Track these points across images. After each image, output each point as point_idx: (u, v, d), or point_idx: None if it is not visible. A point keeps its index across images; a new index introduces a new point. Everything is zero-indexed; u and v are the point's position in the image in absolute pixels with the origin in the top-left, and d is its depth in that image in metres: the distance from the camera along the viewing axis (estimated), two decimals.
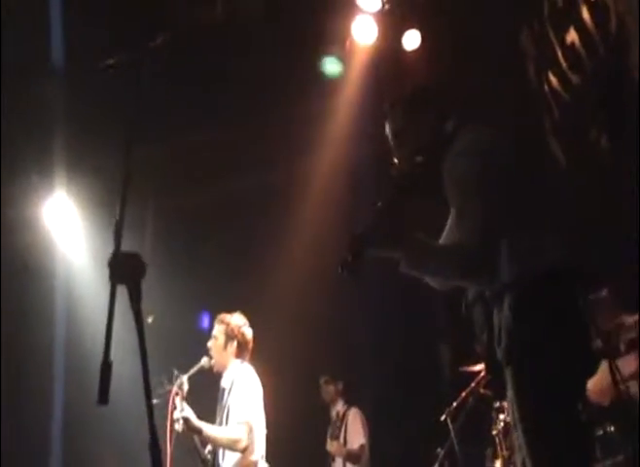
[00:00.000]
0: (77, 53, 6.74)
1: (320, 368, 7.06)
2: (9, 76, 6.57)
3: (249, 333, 4.89)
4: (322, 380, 7.08)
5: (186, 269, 7.27)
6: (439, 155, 2.85)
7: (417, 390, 7.16)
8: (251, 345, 4.88)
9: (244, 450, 4.50)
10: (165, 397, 4.52)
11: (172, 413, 4.50)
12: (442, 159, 2.83)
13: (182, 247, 7.46)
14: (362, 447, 6.72)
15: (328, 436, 6.94)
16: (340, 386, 7.07)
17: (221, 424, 4.63)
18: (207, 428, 4.50)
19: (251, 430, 4.55)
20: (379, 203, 2.88)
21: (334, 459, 6.79)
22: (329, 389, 7.05)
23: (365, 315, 7.34)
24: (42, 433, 7.20)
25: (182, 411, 4.44)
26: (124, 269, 2.15)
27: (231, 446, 4.52)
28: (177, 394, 4.49)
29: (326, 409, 7.09)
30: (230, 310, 4.99)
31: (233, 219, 7.43)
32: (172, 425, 4.47)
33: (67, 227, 7.29)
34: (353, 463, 6.70)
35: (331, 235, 6.93)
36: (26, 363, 7.04)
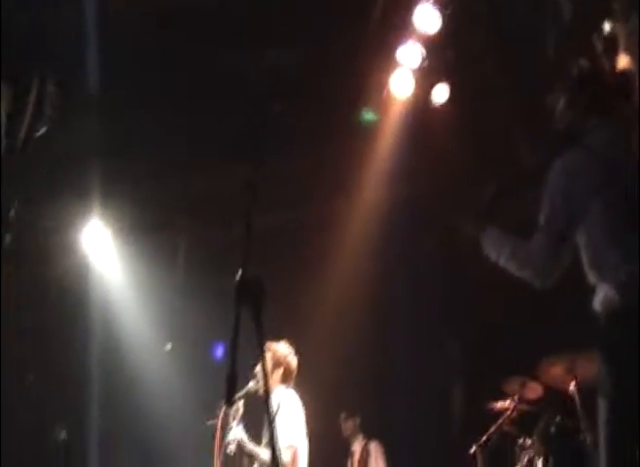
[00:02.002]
0: (114, 79, 7.03)
1: (343, 401, 7.30)
2: (48, 103, 6.84)
3: (294, 361, 5.20)
4: (342, 417, 7.33)
5: (215, 298, 7.44)
6: (562, 146, 3.11)
7: (432, 428, 7.39)
8: (295, 373, 5.17)
9: None
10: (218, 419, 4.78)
11: (222, 434, 4.77)
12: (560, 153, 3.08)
13: (212, 279, 7.65)
14: None
15: None
16: (358, 421, 7.33)
17: (266, 448, 4.87)
18: (256, 451, 4.80)
19: (295, 454, 4.83)
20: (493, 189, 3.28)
21: None
22: (348, 425, 7.31)
23: (387, 354, 7.57)
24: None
25: (236, 433, 4.70)
26: (248, 294, 2.43)
27: None
28: (232, 417, 4.75)
29: (347, 442, 7.35)
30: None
31: (266, 253, 7.62)
32: (222, 446, 4.74)
33: (103, 252, 7.56)
34: None
35: (362, 271, 7.29)
36: (62, 384, 7.21)
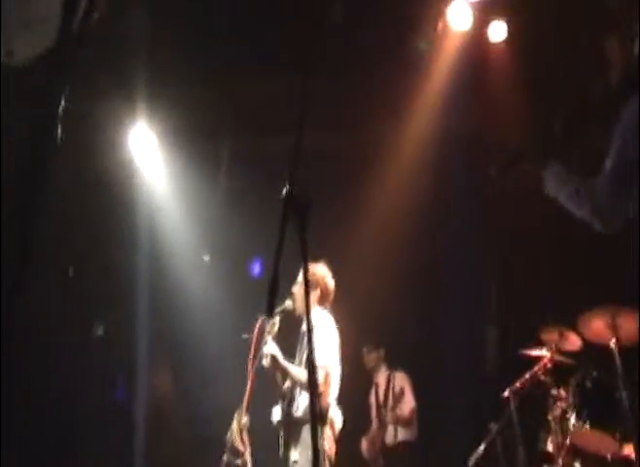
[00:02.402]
0: None
1: (373, 331, 7.24)
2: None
3: (331, 283, 5.17)
4: (364, 350, 7.30)
5: (254, 212, 7.32)
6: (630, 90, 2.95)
7: (463, 365, 7.34)
8: (332, 295, 5.13)
9: (319, 394, 4.70)
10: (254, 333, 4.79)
11: (256, 348, 4.78)
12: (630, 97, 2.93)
13: (253, 190, 7.59)
14: (412, 410, 6.92)
15: (373, 403, 7.20)
16: (382, 353, 7.30)
17: (299, 366, 4.90)
18: (289, 368, 4.82)
19: (327, 375, 4.81)
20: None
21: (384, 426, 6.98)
22: (371, 357, 7.28)
23: (417, 290, 7.46)
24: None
25: (270, 348, 4.71)
26: (295, 204, 2.49)
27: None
28: (268, 332, 4.75)
29: (368, 375, 7.36)
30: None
31: (312, 169, 7.43)
32: (255, 359, 4.75)
33: (148, 154, 7.48)
34: (405, 428, 6.91)
35: (405, 205, 7.16)
36: (107, 282, 7.25)
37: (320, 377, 4.73)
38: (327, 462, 4.61)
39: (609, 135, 2.96)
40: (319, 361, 4.73)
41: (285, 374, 4.84)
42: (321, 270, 5.15)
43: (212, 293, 7.39)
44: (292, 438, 4.76)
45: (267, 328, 4.82)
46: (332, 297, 5.16)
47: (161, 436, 7.43)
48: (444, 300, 7.42)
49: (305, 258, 2.55)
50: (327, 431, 4.75)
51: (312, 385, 2.62)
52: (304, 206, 2.50)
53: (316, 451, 2.41)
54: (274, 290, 2.48)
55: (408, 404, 6.95)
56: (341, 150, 7.46)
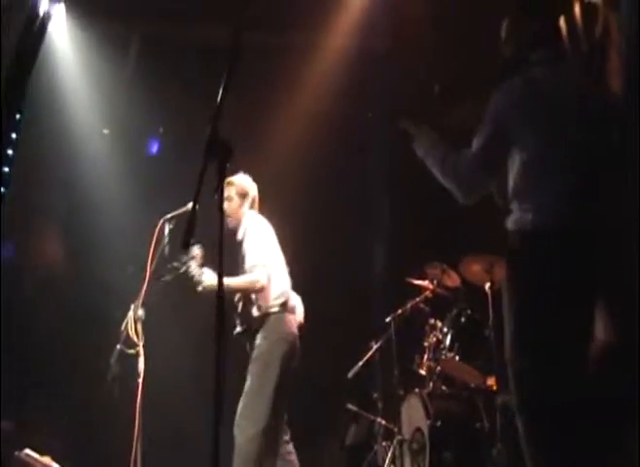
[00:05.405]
0: None
1: None
2: None
3: (255, 189, 5.29)
4: None
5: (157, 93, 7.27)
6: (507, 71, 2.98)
7: (350, 281, 7.61)
8: (257, 200, 5.27)
9: (261, 290, 4.88)
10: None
11: (156, 247, 4.84)
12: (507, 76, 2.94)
13: (164, 76, 7.35)
14: None
15: None
16: None
17: (243, 273, 4.96)
18: (232, 284, 4.85)
19: (268, 272, 4.92)
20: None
21: None
22: None
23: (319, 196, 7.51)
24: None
25: (200, 275, 4.81)
26: (216, 151, 2.54)
27: (251, 289, 4.90)
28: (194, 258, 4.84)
29: None
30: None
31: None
32: (154, 257, 4.83)
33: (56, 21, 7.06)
34: None
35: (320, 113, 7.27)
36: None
37: (258, 274, 4.85)
38: (287, 345, 4.86)
39: (481, 114, 3.00)
40: (253, 260, 4.89)
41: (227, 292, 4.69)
42: (245, 179, 5.27)
43: (109, 166, 7.31)
44: (257, 329, 4.92)
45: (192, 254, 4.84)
46: (257, 201, 5.27)
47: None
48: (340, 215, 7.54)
49: (221, 205, 2.60)
50: (288, 317, 4.95)
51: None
52: (226, 152, 2.52)
53: None
54: (191, 229, 2.51)
55: None
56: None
